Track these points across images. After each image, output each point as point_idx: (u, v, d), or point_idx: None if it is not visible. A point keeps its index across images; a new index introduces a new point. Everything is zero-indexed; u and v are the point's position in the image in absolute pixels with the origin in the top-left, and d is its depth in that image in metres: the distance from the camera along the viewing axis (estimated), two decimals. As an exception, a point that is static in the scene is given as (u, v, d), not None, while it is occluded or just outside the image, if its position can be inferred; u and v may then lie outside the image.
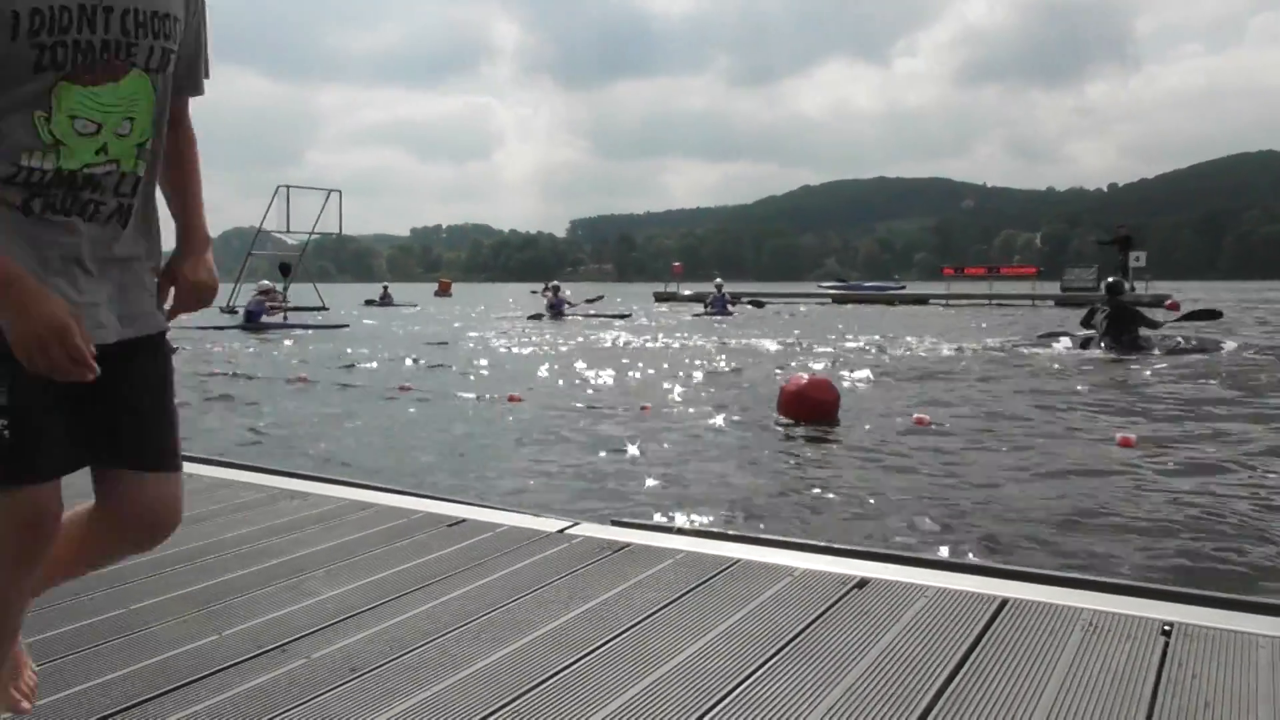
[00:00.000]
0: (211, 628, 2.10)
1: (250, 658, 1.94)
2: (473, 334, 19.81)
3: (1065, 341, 13.20)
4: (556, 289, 27.55)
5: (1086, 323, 13.11)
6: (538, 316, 25.44)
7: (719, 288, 26.63)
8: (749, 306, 28.68)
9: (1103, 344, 12.28)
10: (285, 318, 22.41)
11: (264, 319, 21.22)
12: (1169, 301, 27.02)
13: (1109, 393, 8.63)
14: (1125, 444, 5.86)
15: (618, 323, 23.33)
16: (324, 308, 31.31)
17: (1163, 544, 3.88)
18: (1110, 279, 13.92)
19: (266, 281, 23.83)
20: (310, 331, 20.27)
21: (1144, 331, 12.47)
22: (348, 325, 21.73)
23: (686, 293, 38.79)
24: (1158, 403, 7.92)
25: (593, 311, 26.78)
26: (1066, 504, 4.55)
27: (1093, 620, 2.04)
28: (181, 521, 1.57)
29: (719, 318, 24.38)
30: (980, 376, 10.15)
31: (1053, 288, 33.51)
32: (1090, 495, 4.70)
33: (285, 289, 24.31)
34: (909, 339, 16.21)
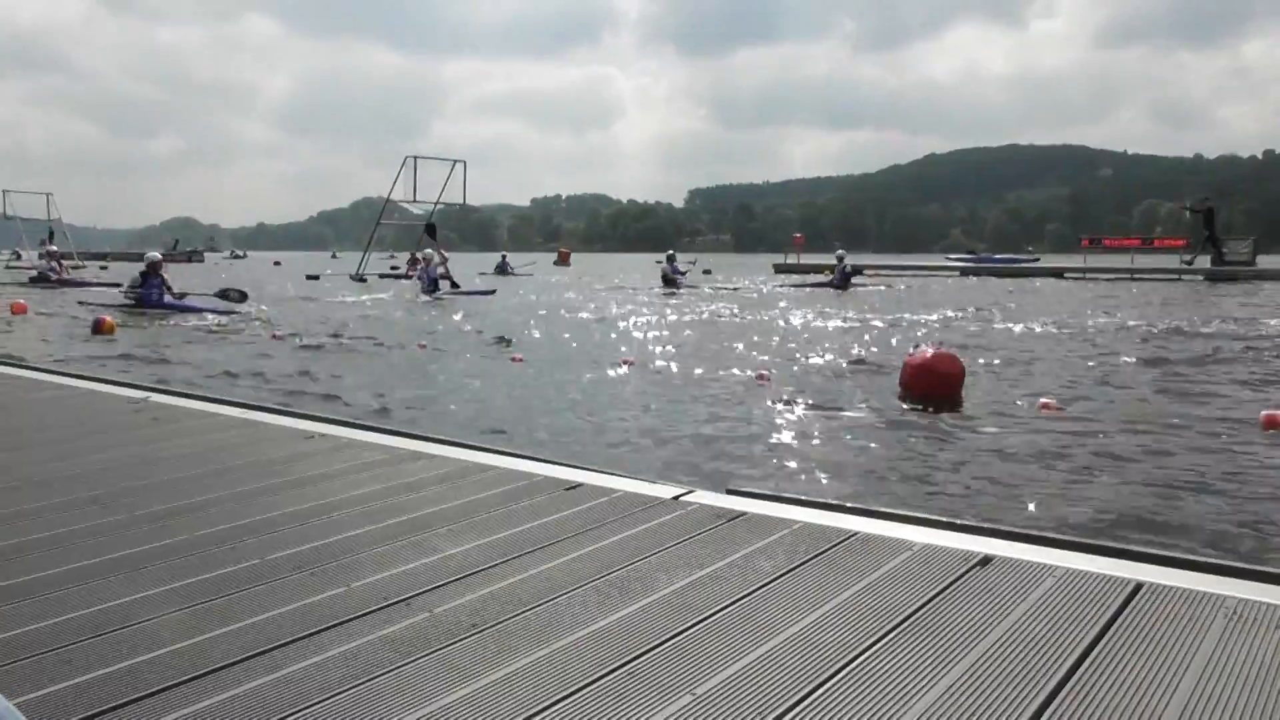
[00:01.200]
0: (341, 579, 2.19)
1: (378, 609, 2.02)
2: (590, 303, 20.03)
3: None
4: (671, 258, 27.52)
5: None
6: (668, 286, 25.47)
7: (841, 259, 26.07)
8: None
9: None
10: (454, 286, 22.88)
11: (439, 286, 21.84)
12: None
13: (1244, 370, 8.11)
14: (1271, 423, 5.49)
15: (729, 293, 23.16)
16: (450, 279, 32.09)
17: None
18: None
19: (429, 250, 24.36)
20: (468, 298, 21.01)
21: None
22: (495, 291, 22.34)
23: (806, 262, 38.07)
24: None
25: (719, 282, 26.67)
26: (1207, 487, 4.30)
27: (1237, 609, 1.92)
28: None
29: (837, 291, 23.90)
30: (1118, 354, 9.68)
31: (1202, 262, 31.52)
32: (1234, 479, 4.44)
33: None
34: (1042, 315, 15.59)
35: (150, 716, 1.58)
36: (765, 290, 24.99)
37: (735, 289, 25.38)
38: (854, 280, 25.83)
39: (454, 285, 22.08)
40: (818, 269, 32.83)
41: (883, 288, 25.94)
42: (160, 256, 17.01)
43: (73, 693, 1.66)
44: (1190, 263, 30.75)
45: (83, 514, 2.76)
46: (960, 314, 15.88)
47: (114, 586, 2.17)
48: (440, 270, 21.99)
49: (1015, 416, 6.10)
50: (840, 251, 26.64)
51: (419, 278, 22.61)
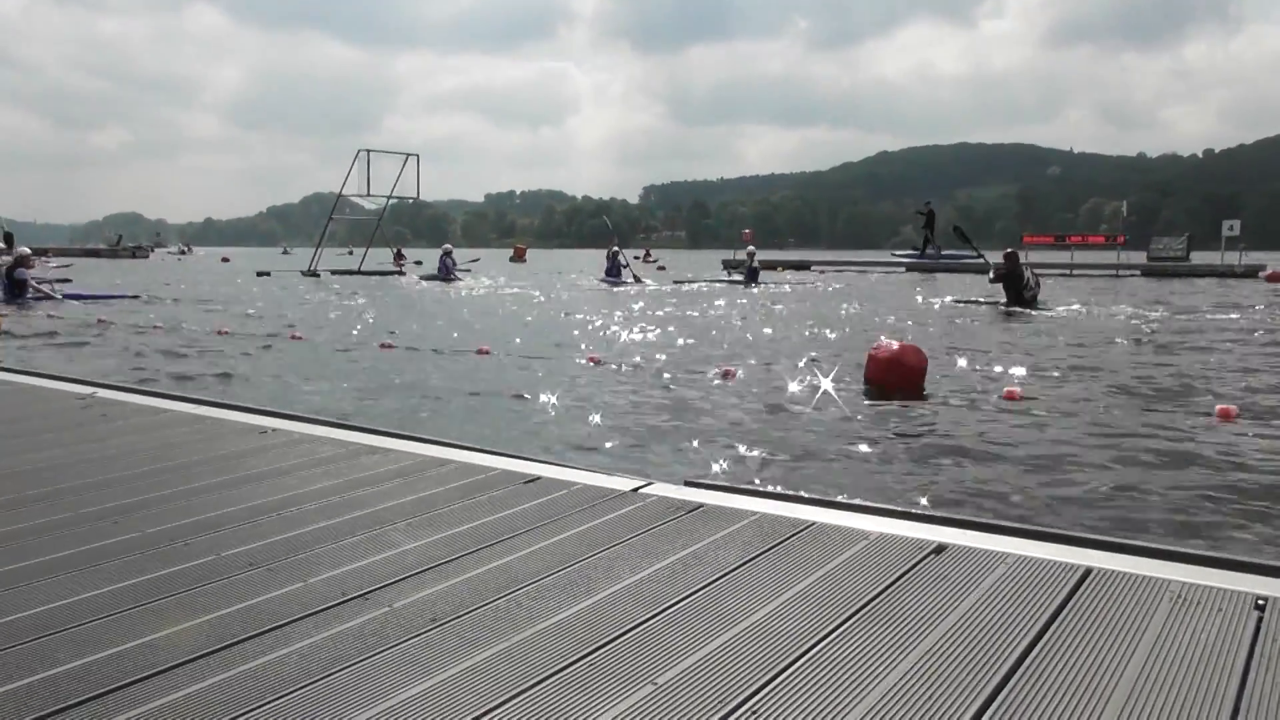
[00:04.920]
0: (297, 575, 2.17)
1: (335, 605, 2.00)
2: (549, 297, 19.98)
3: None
4: (615, 254, 27.39)
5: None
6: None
7: (751, 256, 25.98)
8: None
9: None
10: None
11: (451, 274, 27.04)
12: (1268, 272, 25.88)
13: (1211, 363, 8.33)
14: (1225, 415, 5.63)
15: (693, 290, 23.21)
16: (402, 273, 31.94)
17: (1257, 515, 3.74)
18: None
19: (449, 245, 29.67)
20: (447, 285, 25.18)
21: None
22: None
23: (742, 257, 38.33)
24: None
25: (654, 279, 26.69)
26: (1156, 474, 4.41)
27: (1181, 592, 1.98)
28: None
29: (752, 286, 23.78)
30: (1068, 344, 9.88)
31: (1139, 257, 32.37)
32: (1184, 467, 4.55)
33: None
34: (985, 308, 15.86)
35: (101, 717, 1.55)
36: (682, 286, 24.95)
37: (656, 284, 25.44)
38: (761, 276, 25.73)
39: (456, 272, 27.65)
40: (769, 266, 33.20)
41: (793, 285, 25.70)
42: (28, 251, 18.25)
43: (22, 694, 1.63)
44: (920, 254, 36.50)
45: (28, 512, 2.70)
46: (903, 308, 16.09)
47: (61, 586, 2.13)
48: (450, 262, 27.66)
49: (975, 407, 6.20)
50: (750, 249, 26.70)
51: (439, 269, 27.47)
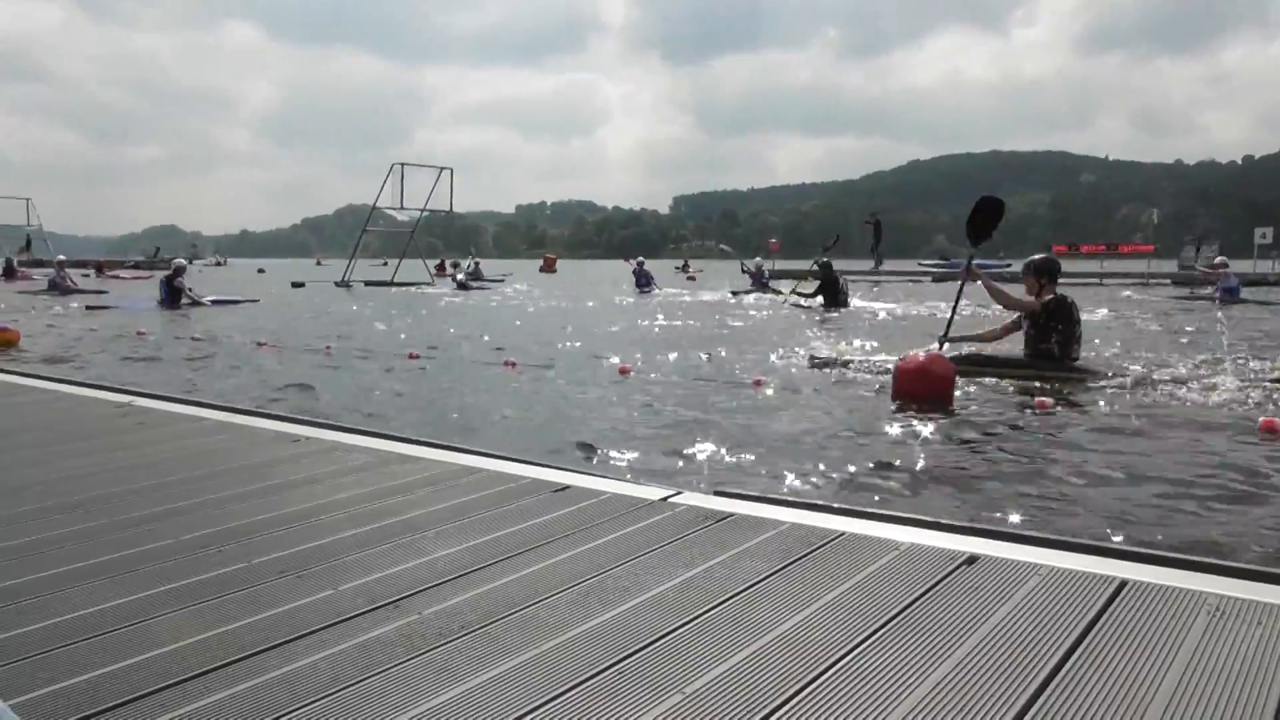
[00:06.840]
0: (328, 583, 2.19)
1: (365, 612, 2.01)
2: (577, 308, 20.06)
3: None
4: (640, 262, 27.61)
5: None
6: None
7: (757, 266, 25.82)
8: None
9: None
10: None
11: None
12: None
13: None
14: (1269, 428, 5.50)
15: (728, 300, 23.18)
16: (431, 283, 32.24)
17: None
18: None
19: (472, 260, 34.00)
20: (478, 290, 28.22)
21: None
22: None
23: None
24: None
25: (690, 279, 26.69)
26: (1192, 485, 4.33)
27: (1220, 605, 1.94)
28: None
29: (756, 294, 23.72)
30: (1113, 354, 9.74)
31: (1170, 266, 32.03)
32: (1219, 476, 4.47)
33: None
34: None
35: (137, 720, 1.57)
36: (697, 296, 24.90)
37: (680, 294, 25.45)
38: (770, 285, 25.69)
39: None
40: (800, 275, 33.15)
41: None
42: (185, 264, 20.30)
43: (57, 697, 1.65)
44: (876, 267, 37.24)
45: (66, 519, 2.75)
46: (932, 315, 15.96)
47: (97, 591, 2.16)
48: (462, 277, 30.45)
49: (1003, 416, 6.13)
50: (757, 260, 26.63)
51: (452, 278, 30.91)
